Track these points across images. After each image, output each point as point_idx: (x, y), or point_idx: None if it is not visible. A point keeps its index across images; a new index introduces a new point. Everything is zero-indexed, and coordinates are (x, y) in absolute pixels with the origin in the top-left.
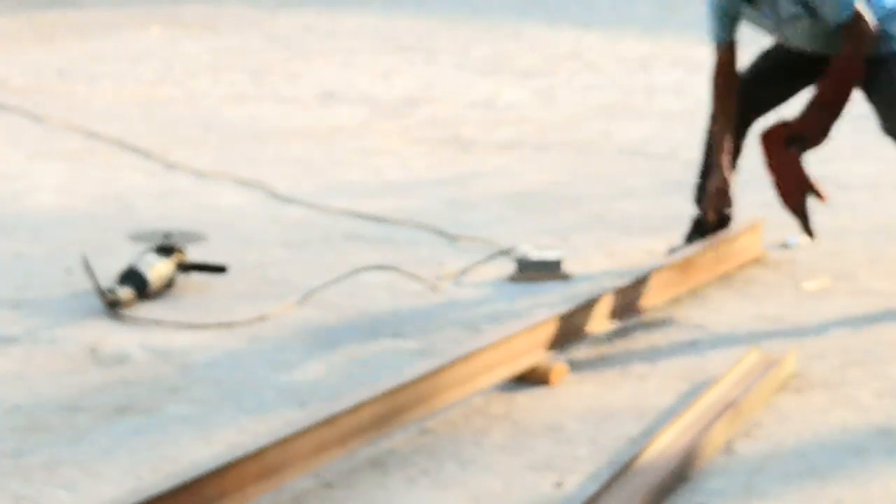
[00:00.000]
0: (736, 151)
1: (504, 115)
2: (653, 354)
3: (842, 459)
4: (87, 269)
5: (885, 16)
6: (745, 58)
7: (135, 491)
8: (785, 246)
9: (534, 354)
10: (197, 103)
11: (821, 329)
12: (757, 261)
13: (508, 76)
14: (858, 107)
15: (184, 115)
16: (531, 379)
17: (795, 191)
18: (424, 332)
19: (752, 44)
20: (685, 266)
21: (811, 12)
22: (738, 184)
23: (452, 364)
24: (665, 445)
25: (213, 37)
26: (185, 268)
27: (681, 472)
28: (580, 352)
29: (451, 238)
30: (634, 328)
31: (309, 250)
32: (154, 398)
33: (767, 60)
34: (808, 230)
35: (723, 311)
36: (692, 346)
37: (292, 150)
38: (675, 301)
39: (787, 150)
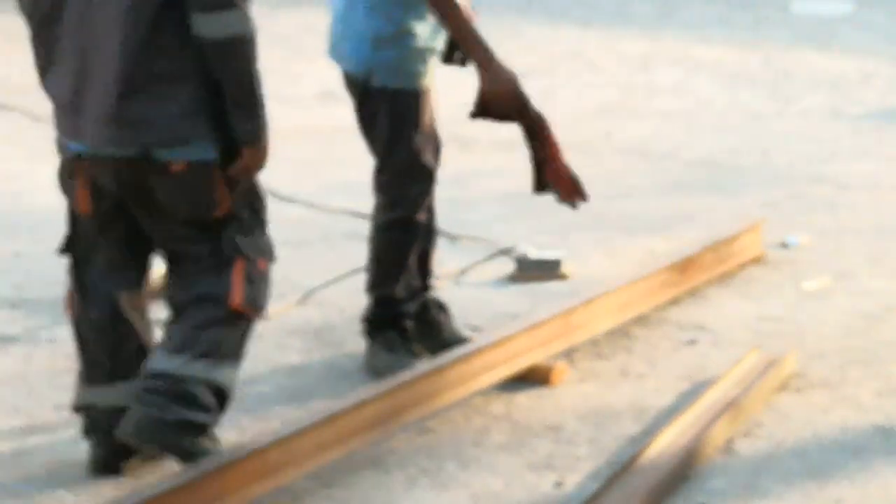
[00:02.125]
0: None
1: None
2: (653, 354)
3: (842, 459)
4: None
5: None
6: None
7: (135, 491)
8: (785, 246)
9: (534, 354)
10: None
11: (821, 329)
12: (757, 261)
13: None
14: (857, 107)
15: None
16: (531, 379)
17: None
18: None
19: None
20: (685, 266)
21: None
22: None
23: (452, 364)
24: (665, 445)
25: None
26: None
27: (681, 472)
28: (580, 352)
29: (451, 238)
30: (634, 328)
31: (309, 250)
32: None
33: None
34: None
35: (723, 311)
36: (692, 346)
37: (292, 150)
38: (675, 301)
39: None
